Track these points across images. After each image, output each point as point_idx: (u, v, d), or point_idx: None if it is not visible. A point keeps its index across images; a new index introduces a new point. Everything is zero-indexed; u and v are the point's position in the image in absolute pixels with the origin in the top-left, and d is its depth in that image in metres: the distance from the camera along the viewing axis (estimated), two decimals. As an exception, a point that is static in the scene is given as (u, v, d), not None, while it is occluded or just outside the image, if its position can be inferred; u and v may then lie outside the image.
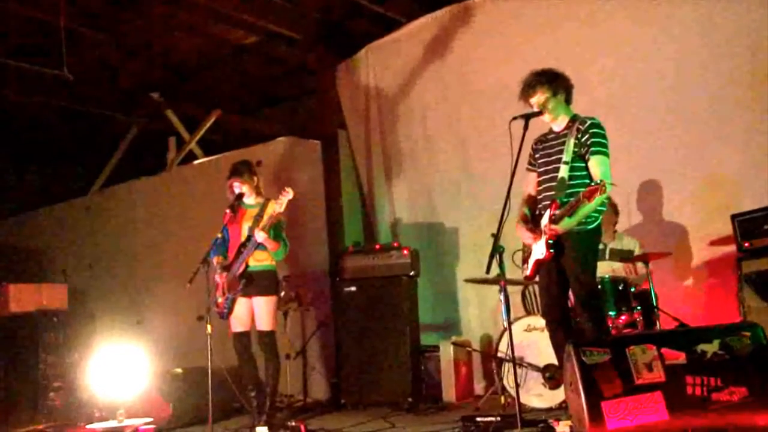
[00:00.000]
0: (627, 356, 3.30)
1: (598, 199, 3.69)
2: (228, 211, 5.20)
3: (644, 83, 5.76)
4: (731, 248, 4.92)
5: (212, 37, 7.82)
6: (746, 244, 4.71)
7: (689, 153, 5.52)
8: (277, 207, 4.98)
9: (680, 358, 3.30)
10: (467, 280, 5.99)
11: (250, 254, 5.17)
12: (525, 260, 4.26)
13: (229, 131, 9.81)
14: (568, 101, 4.20)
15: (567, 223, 3.89)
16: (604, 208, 4.14)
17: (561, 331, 4.13)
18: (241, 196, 5.30)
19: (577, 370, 3.30)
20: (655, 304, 5.00)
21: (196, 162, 9.10)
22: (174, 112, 9.39)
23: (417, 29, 7.19)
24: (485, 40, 6.67)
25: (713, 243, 5.27)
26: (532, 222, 4.20)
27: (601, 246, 5.15)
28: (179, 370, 5.96)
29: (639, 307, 5.00)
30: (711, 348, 3.28)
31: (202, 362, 5.11)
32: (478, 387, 6.38)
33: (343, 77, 7.85)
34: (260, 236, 5.07)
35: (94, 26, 7.32)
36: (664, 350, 3.31)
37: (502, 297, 4.13)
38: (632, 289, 5.03)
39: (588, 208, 3.83)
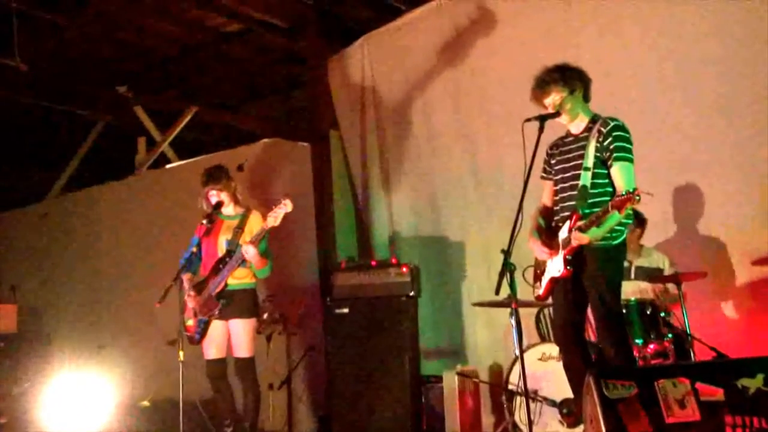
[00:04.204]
0: (656, 390, 3.28)
1: (628, 209, 3.68)
2: (204, 222, 5.17)
3: (683, 77, 5.68)
4: (777, 268, 4.91)
5: (189, 24, 7.82)
6: (793, 265, 4.70)
7: (730, 158, 5.47)
8: (271, 220, 4.90)
9: (718, 394, 3.27)
10: (475, 304, 5.97)
11: (232, 271, 5.14)
12: (537, 278, 4.24)
13: (207, 130, 9.80)
14: (586, 98, 4.18)
15: (595, 234, 3.88)
16: (630, 221, 4.12)
17: (575, 356, 4.13)
18: (219, 205, 5.27)
19: (598, 404, 3.27)
20: (688, 331, 4.97)
21: (168, 166, 9.09)
22: (144, 108, 9.37)
23: (420, 17, 7.18)
24: (496, 29, 6.65)
25: (756, 263, 5.24)
26: (547, 235, 4.19)
27: (625, 264, 5.13)
28: (147, 402, 5.95)
29: (670, 335, 4.96)
30: (754, 383, 3.25)
31: (172, 393, 5.10)
32: (486, 423, 6.33)
33: (335, 70, 7.84)
34: (250, 252, 5.00)
35: (51, 8, 7.30)
36: (698, 385, 3.28)
37: (513, 321, 4.10)
38: (662, 314, 5.00)
39: (615, 219, 3.82)
